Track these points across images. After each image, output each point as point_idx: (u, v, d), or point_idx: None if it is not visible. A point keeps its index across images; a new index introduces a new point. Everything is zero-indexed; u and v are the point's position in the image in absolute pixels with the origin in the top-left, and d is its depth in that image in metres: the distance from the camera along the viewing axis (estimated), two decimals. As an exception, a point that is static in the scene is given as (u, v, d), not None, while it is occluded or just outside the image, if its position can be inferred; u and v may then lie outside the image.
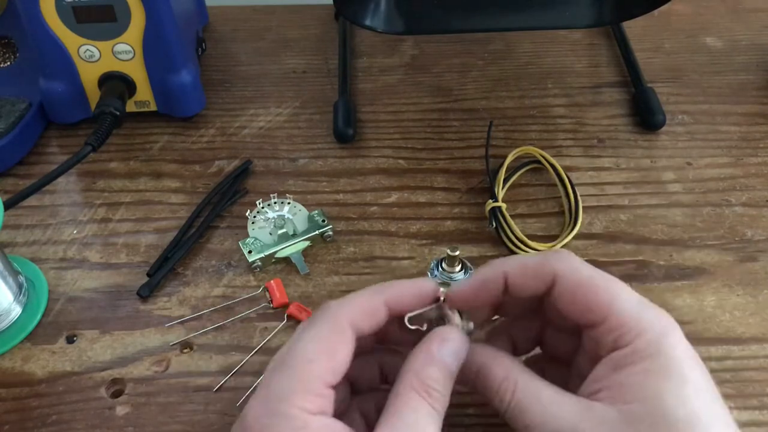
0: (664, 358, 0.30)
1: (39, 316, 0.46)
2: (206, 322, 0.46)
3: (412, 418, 0.29)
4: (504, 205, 0.51)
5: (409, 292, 0.33)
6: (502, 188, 0.53)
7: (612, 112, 0.61)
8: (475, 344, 0.34)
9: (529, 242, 0.49)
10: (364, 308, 0.32)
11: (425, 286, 0.33)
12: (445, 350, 0.31)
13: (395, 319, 0.33)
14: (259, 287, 0.48)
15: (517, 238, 0.49)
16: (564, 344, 0.36)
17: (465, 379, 0.33)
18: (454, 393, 0.42)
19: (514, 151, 0.55)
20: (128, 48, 0.55)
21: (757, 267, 0.49)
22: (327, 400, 0.29)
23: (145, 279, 0.48)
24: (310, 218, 0.51)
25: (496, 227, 0.50)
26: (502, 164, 0.54)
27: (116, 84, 0.56)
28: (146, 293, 0.47)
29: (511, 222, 0.50)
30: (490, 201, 0.51)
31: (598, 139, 0.58)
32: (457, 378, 0.32)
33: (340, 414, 0.33)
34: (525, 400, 0.31)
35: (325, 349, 0.30)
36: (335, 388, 0.30)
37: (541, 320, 0.37)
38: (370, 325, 0.32)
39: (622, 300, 0.32)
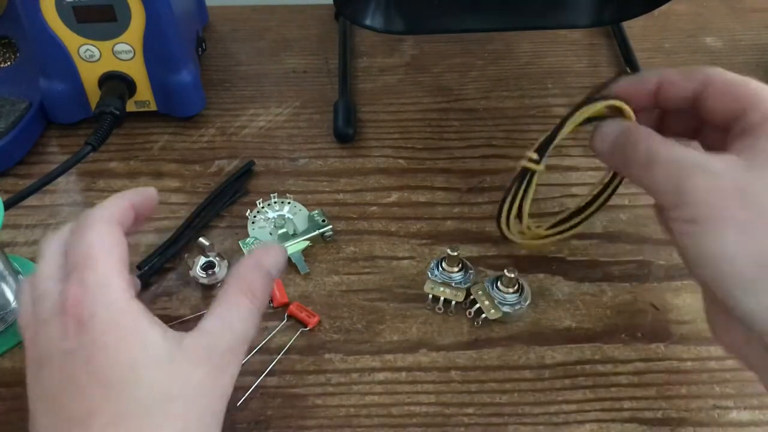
0: None
1: (39, 316, 0.46)
2: (206, 322, 0.46)
3: (236, 312, 0.35)
4: (541, 168, 0.40)
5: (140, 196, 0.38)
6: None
7: (612, 112, 0.61)
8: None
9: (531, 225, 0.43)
10: (120, 210, 0.36)
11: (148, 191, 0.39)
12: (268, 261, 0.37)
13: None
14: (259, 287, 0.48)
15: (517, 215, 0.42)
16: (713, 140, 0.39)
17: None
18: (453, 392, 0.42)
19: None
20: (128, 48, 0.55)
21: (757, 267, 0.49)
22: (130, 284, 0.34)
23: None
24: (310, 218, 0.51)
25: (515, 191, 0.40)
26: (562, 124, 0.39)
27: (116, 84, 0.56)
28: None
29: (529, 195, 0.41)
30: (532, 157, 0.39)
31: (598, 139, 0.58)
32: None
33: None
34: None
35: (112, 243, 0.34)
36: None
37: (693, 118, 0.39)
38: (127, 224, 0.37)
39: None
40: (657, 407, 0.42)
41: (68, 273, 0.33)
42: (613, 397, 0.42)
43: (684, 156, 0.34)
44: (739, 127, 0.35)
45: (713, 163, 0.33)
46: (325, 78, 0.65)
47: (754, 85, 0.35)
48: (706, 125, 0.39)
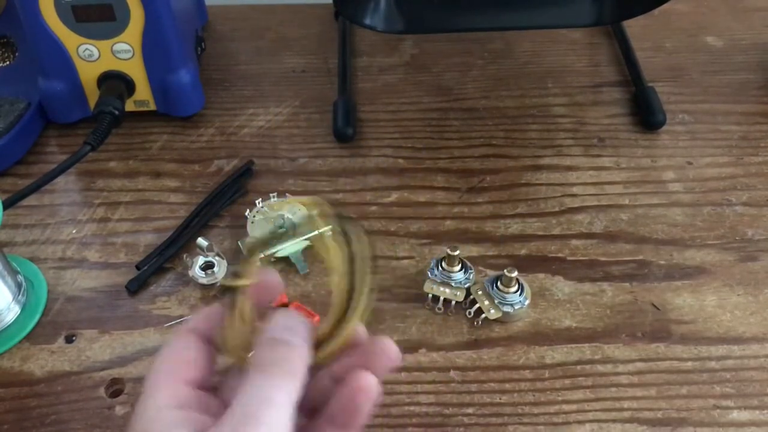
0: None
1: (38, 316, 0.46)
2: (205, 322, 0.46)
3: (255, 390, 0.30)
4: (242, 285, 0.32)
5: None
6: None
7: (612, 112, 0.61)
8: None
9: None
10: (206, 314, 0.34)
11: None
12: (275, 329, 0.32)
13: None
14: (259, 287, 0.47)
15: None
16: None
17: None
18: (453, 392, 0.42)
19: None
20: (127, 47, 0.55)
21: (758, 266, 0.49)
22: (182, 394, 0.32)
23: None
24: (310, 218, 0.51)
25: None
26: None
27: (115, 83, 0.56)
28: (134, 287, 0.47)
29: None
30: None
31: (598, 139, 0.58)
32: None
33: None
34: None
35: (172, 354, 0.33)
36: (198, 384, 0.33)
37: None
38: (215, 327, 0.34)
39: None
40: (657, 407, 0.42)
41: None
42: (613, 397, 0.42)
43: None
44: None
45: None
46: (325, 77, 0.65)
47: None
48: None
